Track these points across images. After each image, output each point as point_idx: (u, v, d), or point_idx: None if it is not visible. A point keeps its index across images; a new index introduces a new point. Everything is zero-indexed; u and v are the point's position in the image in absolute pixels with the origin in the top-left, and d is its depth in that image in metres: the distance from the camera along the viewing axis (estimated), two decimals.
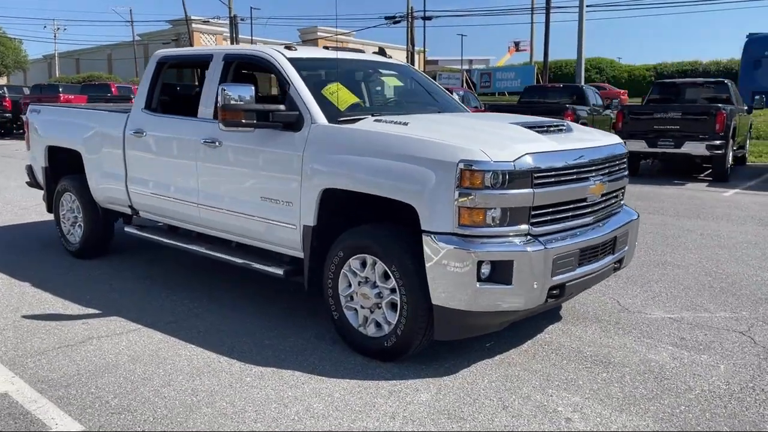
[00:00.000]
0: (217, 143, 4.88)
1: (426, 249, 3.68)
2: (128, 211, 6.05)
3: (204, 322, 4.78)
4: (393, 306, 3.97)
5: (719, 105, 13.34)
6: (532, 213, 3.72)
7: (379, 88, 5.60)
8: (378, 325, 4.08)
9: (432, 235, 3.65)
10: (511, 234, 3.66)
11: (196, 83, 6.45)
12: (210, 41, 60.05)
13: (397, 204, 3.85)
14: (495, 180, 3.56)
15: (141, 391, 3.67)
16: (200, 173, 5.07)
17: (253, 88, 4.38)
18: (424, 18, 51.28)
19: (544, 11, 35.30)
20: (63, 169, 6.82)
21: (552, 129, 4.25)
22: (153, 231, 5.85)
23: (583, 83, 23.28)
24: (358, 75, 5.20)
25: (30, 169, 7.23)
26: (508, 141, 3.82)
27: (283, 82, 4.63)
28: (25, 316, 4.90)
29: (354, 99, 4.64)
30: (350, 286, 4.18)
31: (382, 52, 5.81)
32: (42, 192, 7.16)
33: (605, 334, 4.59)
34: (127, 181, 5.79)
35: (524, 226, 3.69)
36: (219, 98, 4.34)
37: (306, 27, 72.09)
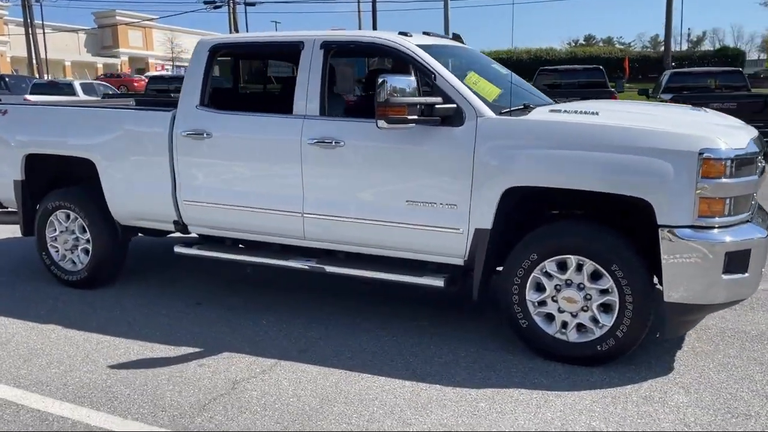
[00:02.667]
0: (335, 143, 4.29)
1: (664, 244, 3.53)
2: (168, 227, 5.13)
3: (344, 347, 4.19)
4: (605, 308, 3.78)
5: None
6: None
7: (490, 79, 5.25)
8: (580, 329, 3.86)
9: (671, 229, 3.51)
10: (737, 222, 3.64)
11: (259, 74, 5.60)
12: None
13: (614, 198, 3.66)
14: (732, 168, 3.51)
15: None
16: (308, 178, 4.42)
17: (414, 79, 3.91)
18: (247, 3, 49.89)
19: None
20: (42, 182, 5.62)
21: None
22: (218, 248, 5.01)
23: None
24: (475, 64, 4.82)
25: None
26: (727, 128, 3.79)
27: (425, 73, 4.17)
28: (125, 367, 3.97)
29: (497, 90, 4.30)
30: (542, 290, 3.90)
31: (457, 38, 5.47)
32: None
33: None
34: (177, 191, 4.89)
35: (746, 214, 3.68)
36: (380, 92, 3.81)
37: (102, 10, 66.74)
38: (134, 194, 5.08)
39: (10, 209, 5.95)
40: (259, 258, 4.76)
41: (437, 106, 3.97)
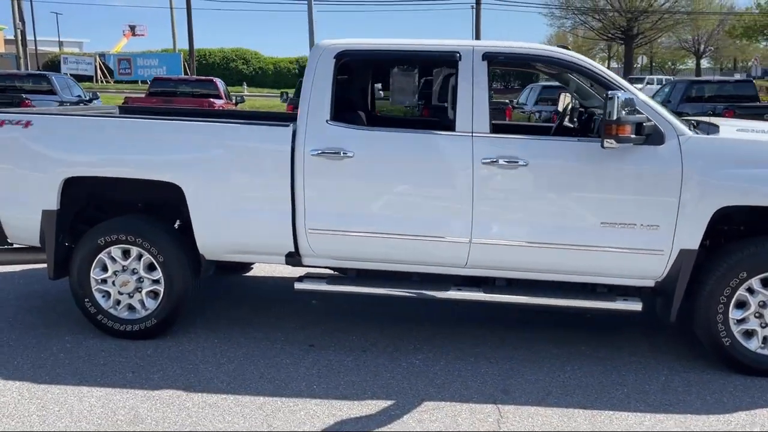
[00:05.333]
0: (517, 163, 3.95)
1: None
2: (276, 260, 4.38)
3: (549, 384, 3.89)
4: None
5: None
6: None
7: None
8: None
9: None
10: None
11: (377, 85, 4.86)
12: None
13: None
14: None
15: None
16: (479, 201, 4.02)
17: (633, 96, 3.73)
18: None
19: None
20: (73, 213, 4.53)
21: None
22: (348, 282, 4.36)
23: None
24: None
25: None
26: None
27: (611, 88, 3.99)
28: None
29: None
30: (743, 307, 3.94)
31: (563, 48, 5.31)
32: None
33: None
34: (299, 218, 4.18)
35: None
36: (610, 109, 3.60)
37: None
38: (235, 223, 4.25)
39: (18, 245, 4.69)
40: (410, 290, 4.24)
41: (647, 124, 3.83)
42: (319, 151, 4.10)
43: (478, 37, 40.52)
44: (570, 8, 43.87)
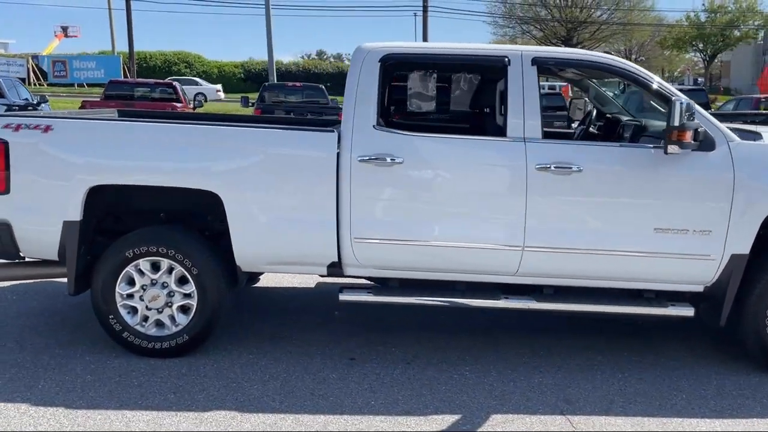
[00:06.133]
0: (573, 168, 3.92)
1: None
2: (317, 271, 4.20)
3: (610, 393, 3.85)
4: None
5: None
6: None
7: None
8: None
9: None
10: None
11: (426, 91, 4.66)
12: None
13: None
14: None
15: None
16: (533, 208, 3.96)
17: (691, 102, 3.74)
18: None
19: None
20: (96, 223, 4.25)
21: None
22: (392, 292, 4.22)
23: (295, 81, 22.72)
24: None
25: (2, 233, 4.15)
26: None
27: (663, 96, 4.01)
28: None
29: None
30: None
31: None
32: None
33: None
34: (344, 227, 4.02)
35: None
36: (674, 114, 3.61)
37: None
38: (277, 233, 4.06)
39: (30, 259, 4.35)
40: (461, 300, 4.14)
41: (699, 130, 3.86)
42: (368, 158, 3.96)
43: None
44: (513, 17, 44.76)
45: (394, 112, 4.56)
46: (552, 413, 3.60)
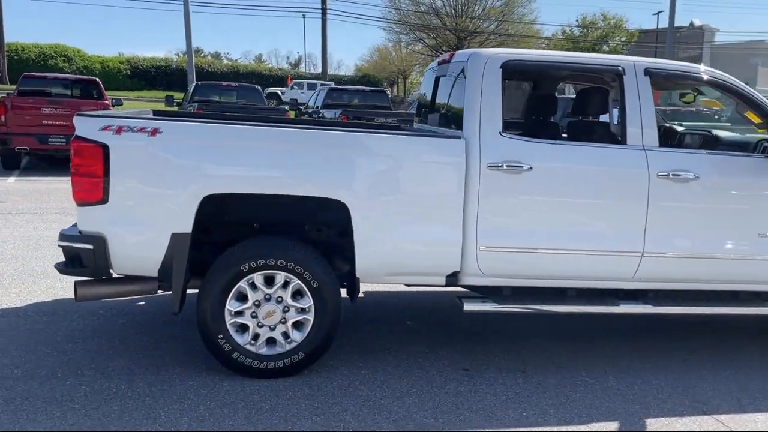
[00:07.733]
0: (690, 176, 4.08)
1: None
2: (435, 281, 4.09)
3: None
4: None
5: None
6: None
7: None
8: None
9: None
10: None
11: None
12: None
13: None
14: None
15: None
16: (652, 214, 4.08)
17: None
18: None
19: None
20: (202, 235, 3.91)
21: None
22: (517, 302, 4.16)
23: (195, 79, 21.53)
24: None
25: (95, 247, 3.69)
26: None
27: (755, 106, 4.28)
28: None
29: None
30: None
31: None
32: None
33: None
34: (469, 236, 3.94)
35: None
36: None
37: None
38: (402, 243, 3.90)
39: (122, 275, 3.91)
40: (586, 306, 4.19)
41: None
42: (497, 164, 3.91)
43: (324, 45, 40.91)
44: (407, 25, 45.60)
45: (519, 119, 4.54)
46: (696, 414, 3.71)
